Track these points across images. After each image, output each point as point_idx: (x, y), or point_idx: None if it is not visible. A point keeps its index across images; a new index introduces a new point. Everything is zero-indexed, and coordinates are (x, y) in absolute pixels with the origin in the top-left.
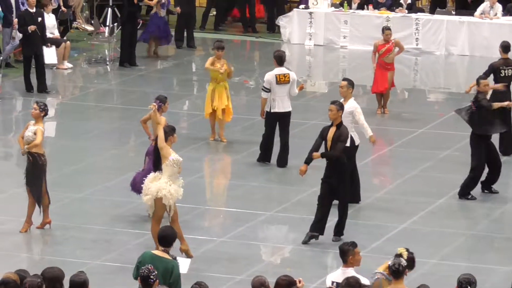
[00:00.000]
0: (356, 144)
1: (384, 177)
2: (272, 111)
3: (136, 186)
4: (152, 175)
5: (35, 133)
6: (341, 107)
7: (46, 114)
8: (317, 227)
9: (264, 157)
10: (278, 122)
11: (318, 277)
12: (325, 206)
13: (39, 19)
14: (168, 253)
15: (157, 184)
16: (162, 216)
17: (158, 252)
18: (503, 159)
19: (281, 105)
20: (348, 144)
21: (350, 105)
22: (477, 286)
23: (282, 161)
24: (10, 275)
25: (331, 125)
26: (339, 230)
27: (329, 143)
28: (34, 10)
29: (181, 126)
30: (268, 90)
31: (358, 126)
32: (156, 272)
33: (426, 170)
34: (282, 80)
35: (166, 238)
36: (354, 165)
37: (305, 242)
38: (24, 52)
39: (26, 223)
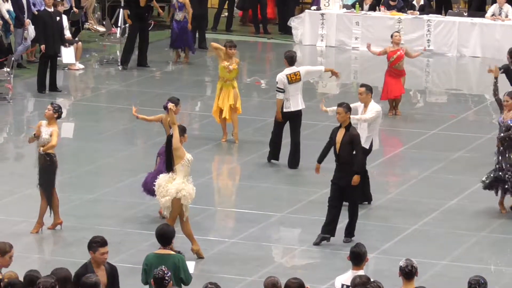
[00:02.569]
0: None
1: (395, 178)
2: (284, 110)
3: (148, 187)
4: (165, 176)
5: (50, 135)
6: (348, 108)
7: (59, 116)
8: (328, 229)
9: (273, 155)
10: (288, 121)
11: (329, 279)
12: (335, 208)
13: (57, 18)
14: (171, 249)
15: (175, 185)
16: (177, 217)
17: (161, 251)
18: None
19: (294, 104)
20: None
21: (373, 108)
22: None
23: (294, 162)
24: (11, 273)
25: (340, 127)
26: (350, 231)
27: (338, 145)
28: (52, 9)
29: (193, 127)
30: (282, 91)
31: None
32: (170, 274)
33: (437, 171)
34: (293, 79)
35: (165, 236)
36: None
37: (316, 244)
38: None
39: (38, 224)
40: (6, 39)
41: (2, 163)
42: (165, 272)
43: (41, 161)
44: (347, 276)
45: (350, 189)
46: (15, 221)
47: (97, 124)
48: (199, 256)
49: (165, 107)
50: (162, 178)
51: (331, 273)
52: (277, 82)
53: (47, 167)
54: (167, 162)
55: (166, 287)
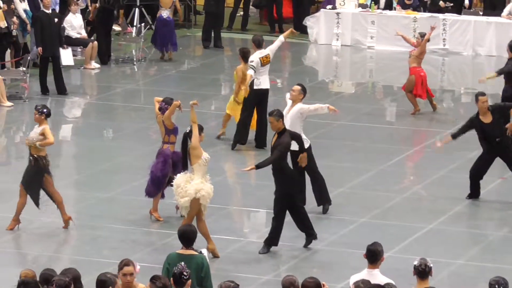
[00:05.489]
0: (305, 147)
1: (411, 178)
2: (255, 87)
3: (147, 190)
4: (183, 176)
5: (41, 134)
6: (280, 116)
7: (48, 115)
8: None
9: (242, 138)
10: (259, 100)
11: (344, 278)
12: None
13: (55, 20)
14: (192, 249)
15: (194, 185)
16: (194, 216)
17: (184, 251)
18: None
19: (264, 82)
20: (296, 148)
21: (297, 107)
22: None
23: (262, 142)
24: (28, 271)
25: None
26: (309, 239)
27: (271, 153)
28: (50, 11)
29: (209, 125)
30: (254, 68)
31: (315, 113)
32: (189, 271)
33: (453, 170)
34: (265, 61)
35: (188, 237)
36: (308, 168)
37: (262, 253)
38: (41, 53)
39: (13, 221)
40: (23, 38)
41: (18, 162)
42: (184, 268)
43: (30, 162)
44: (362, 275)
45: (275, 195)
46: (29, 220)
47: (112, 123)
48: (215, 255)
49: (160, 108)
50: (180, 179)
51: (347, 272)
52: (252, 60)
53: (32, 168)
54: (183, 160)
55: (184, 284)
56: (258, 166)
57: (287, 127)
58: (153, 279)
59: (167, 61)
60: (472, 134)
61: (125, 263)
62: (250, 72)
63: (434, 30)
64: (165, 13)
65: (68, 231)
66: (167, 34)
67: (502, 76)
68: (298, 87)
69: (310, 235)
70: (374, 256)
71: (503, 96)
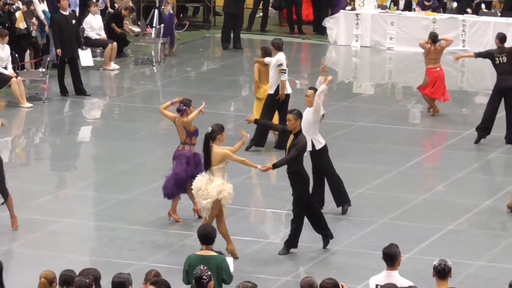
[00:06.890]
0: (317, 148)
1: (430, 179)
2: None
3: (167, 190)
4: (202, 178)
5: None
6: (299, 115)
7: None
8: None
9: (262, 141)
10: (282, 103)
11: (363, 279)
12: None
13: (73, 21)
14: (212, 250)
15: (216, 187)
16: (215, 217)
17: (203, 252)
18: None
19: (288, 86)
20: (309, 148)
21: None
22: None
23: (285, 144)
24: (48, 273)
25: (290, 133)
26: (326, 240)
27: (287, 153)
28: (67, 13)
29: (228, 127)
30: (286, 71)
31: (323, 95)
32: (209, 273)
33: (472, 172)
34: (287, 62)
35: (208, 236)
36: (324, 170)
37: (282, 254)
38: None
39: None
40: (41, 39)
41: (38, 163)
42: (203, 271)
43: None
44: (381, 277)
45: (294, 198)
46: (50, 221)
47: (132, 124)
48: (234, 256)
49: (179, 110)
50: (200, 181)
51: (366, 274)
52: (281, 64)
53: None
54: (205, 160)
55: (206, 286)
56: (275, 166)
57: (307, 126)
58: (156, 284)
59: (174, 57)
60: (493, 135)
61: (155, 274)
62: (283, 77)
63: (454, 31)
64: (171, 9)
65: (88, 232)
66: (170, 28)
67: None
68: (311, 91)
69: (326, 235)
70: (390, 258)
71: None
